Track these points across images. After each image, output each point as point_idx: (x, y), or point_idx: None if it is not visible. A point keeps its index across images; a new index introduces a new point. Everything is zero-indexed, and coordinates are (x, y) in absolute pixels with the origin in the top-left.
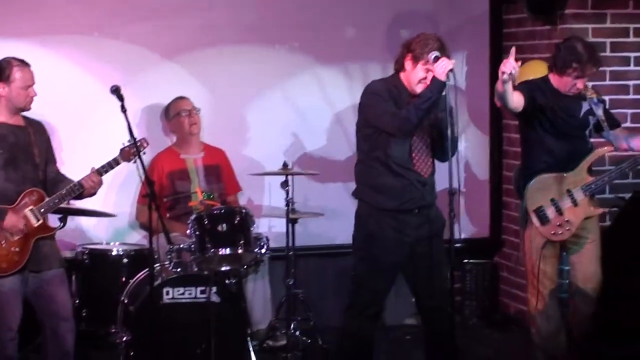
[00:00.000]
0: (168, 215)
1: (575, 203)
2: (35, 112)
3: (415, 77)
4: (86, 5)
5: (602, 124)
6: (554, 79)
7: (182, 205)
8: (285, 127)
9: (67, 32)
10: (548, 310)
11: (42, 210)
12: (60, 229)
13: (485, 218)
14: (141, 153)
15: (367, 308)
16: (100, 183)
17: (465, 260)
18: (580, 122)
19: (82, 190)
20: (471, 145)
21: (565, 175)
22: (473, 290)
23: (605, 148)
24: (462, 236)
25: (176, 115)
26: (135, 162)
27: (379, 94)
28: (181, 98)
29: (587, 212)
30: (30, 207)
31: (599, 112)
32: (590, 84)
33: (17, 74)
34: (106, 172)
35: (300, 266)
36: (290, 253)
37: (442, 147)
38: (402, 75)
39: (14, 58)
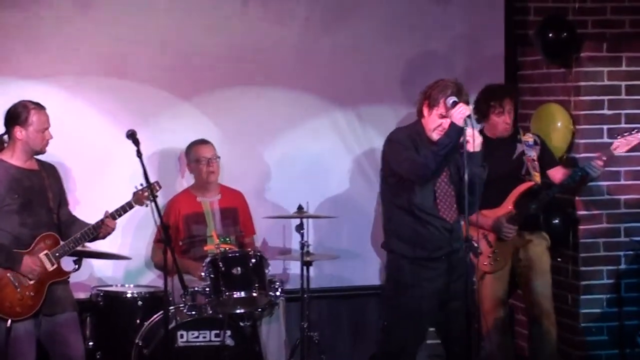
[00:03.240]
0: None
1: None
2: (50, 154)
3: (431, 124)
4: (102, 47)
5: (528, 164)
6: (486, 129)
7: (197, 249)
8: (301, 170)
9: (82, 73)
10: (492, 334)
11: (57, 254)
12: (75, 271)
13: None
14: (154, 197)
15: (396, 358)
16: (114, 227)
17: None
18: (513, 164)
19: (97, 234)
20: None
21: (494, 210)
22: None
23: (525, 184)
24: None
25: (195, 162)
26: (147, 206)
27: (400, 142)
28: (204, 143)
29: (516, 243)
30: (45, 252)
31: (531, 153)
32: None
33: (34, 117)
34: (120, 215)
35: (314, 308)
36: (305, 296)
37: (466, 200)
38: (423, 121)
39: (29, 101)
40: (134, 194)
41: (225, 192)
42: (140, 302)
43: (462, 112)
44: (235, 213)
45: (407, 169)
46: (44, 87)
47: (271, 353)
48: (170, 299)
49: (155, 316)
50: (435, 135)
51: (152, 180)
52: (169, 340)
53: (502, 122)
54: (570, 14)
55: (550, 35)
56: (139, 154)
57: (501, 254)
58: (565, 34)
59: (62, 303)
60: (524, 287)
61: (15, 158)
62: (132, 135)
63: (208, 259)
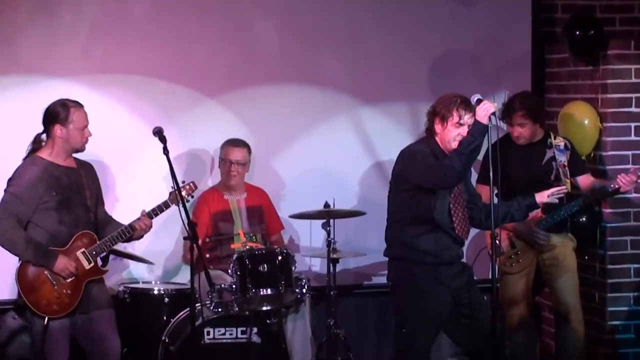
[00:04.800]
0: (208, 256)
1: None
2: (86, 152)
3: (448, 135)
4: (131, 46)
5: (559, 169)
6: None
7: (224, 247)
8: (327, 167)
9: (113, 72)
10: (515, 333)
11: (94, 252)
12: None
13: None
14: (190, 197)
15: None
16: (150, 226)
17: None
18: (542, 169)
19: (132, 233)
20: None
21: None
22: None
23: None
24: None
25: (222, 160)
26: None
27: (420, 152)
28: (236, 145)
29: (541, 246)
30: (82, 250)
31: (562, 158)
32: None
33: (73, 115)
34: (156, 215)
35: (340, 306)
36: (331, 293)
37: (491, 194)
38: (436, 138)
39: (68, 100)
40: (170, 193)
41: (250, 190)
42: (166, 299)
43: (486, 109)
44: (260, 211)
45: (433, 174)
46: (77, 85)
47: (297, 350)
48: (197, 296)
49: (181, 313)
50: (455, 144)
51: (180, 179)
52: (196, 337)
53: (512, 133)
54: (597, 11)
55: (578, 32)
56: (166, 151)
57: (524, 256)
58: (592, 31)
59: (97, 301)
60: (550, 285)
61: (54, 156)
62: (158, 133)
63: (235, 256)
